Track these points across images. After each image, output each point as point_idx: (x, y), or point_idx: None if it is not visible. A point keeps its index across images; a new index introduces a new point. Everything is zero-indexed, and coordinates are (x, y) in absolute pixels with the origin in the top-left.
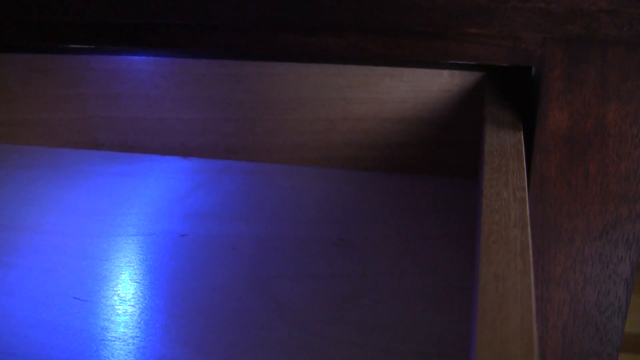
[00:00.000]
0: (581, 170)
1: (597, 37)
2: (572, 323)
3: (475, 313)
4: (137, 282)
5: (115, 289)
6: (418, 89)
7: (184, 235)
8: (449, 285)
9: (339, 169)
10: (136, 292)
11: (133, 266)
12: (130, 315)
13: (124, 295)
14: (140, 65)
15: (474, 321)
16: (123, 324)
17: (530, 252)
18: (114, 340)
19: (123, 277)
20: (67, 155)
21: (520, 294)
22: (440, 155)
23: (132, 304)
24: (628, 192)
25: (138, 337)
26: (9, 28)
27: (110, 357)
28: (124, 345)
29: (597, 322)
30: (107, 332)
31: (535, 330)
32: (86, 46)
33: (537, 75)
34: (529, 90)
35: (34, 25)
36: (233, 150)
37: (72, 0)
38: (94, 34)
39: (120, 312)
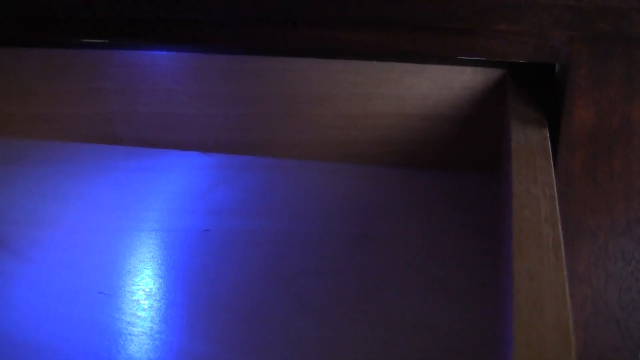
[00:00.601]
0: (606, 167)
1: (625, 34)
2: (594, 319)
3: (509, 310)
4: (161, 277)
5: (140, 284)
6: (440, 85)
7: (207, 230)
8: (471, 281)
9: (360, 165)
10: (161, 287)
11: (157, 261)
12: (156, 310)
13: (149, 290)
14: (161, 61)
15: (508, 318)
16: (149, 319)
17: (562, 248)
18: (141, 335)
19: (147, 272)
20: (87, 151)
21: (555, 289)
22: (461, 151)
23: (157, 298)
24: None
25: (164, 332)
26: (29, 23)
27: (137, 353)
28: (150, 340)
29: (618, 319)
30: (134, 327)
31: (571, 326)
32: (106, 41)
33: (562, 73)
34: (553, 87)
35: (54, 20)
36: (253, 146)
37: None
38: (114, 28)
39: (146, 307)
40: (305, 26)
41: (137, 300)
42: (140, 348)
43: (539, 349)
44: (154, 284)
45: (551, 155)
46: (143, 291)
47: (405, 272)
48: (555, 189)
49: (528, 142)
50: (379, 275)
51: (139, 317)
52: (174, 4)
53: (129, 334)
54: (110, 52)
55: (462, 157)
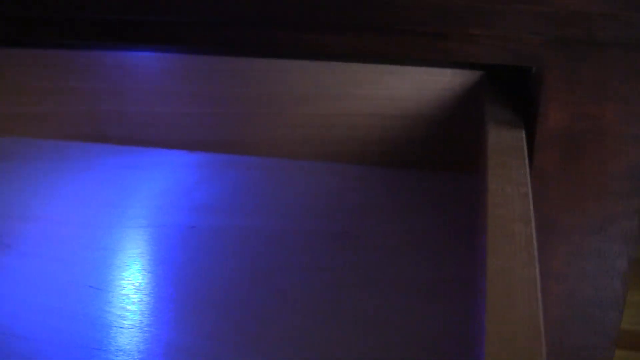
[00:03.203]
0: (579, 167)
1: (595, 39)
2: (569, 316)
3: (483, 303)
4: (149, 272)
5: (129, 278)
6: (420, 86)
7: (193, 227)
8: (448, 277)
9: (342, 164)
10: (149, 282)
11: (145, 256)
12: (145, 303)
13: (138, 285)
14: (147, 61)
15: (482, 311)
16: (139, 312)
17: (535, 245)
18: (130, 328)
19: (136, 267)
20: (75, 148)
21: (526, 285)
22: (441, 151)
23: (146, 292)
24: (625, 189)
25: (153, 324)
26: (19, 24)
27: (127, 345)
28: (139, 332)
29: (594, 316)
30: (124, 320)
31: (541, 321)
32: (94, 42)
33: (537, 76)
34: (529, 89)
35: (42, 22)
36: (237, 145)
37: None
38: (101, 30)
39: (135, 300)
40: (286, 29)
41: (127, 294)
42: (130, 340)
43: (511, 343)
44: (142, 279)
45: (526, 155)
46: (132, 285)
47: (386, 269)
48: (530, 188)
49: (503, 142)
50: (360, 271)
51: (128, 310)
52: (160, 7)
53: (119, 327)
54: (98, 53)
55: (442, 157)
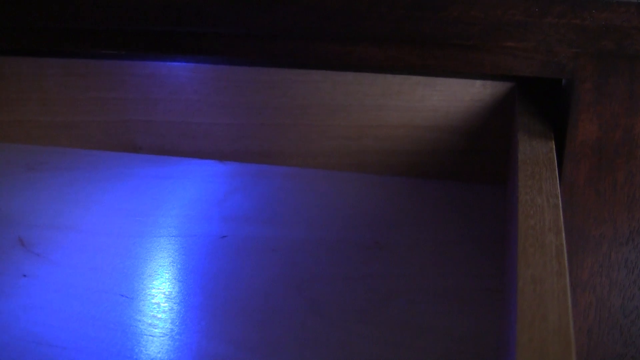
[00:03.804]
0: (609, 179)
1: (628, 52)
2: (597, 326)
3: (513, 313)
4: (180, 281)
5: (159, 287)
6: (450, 98)
7: (224, 237)
8: (478, 287)
9: (373, 174)
10: (180, 291)
11: (176, 266)
12: (176, 312)
13: (169, 294)
14: (179, 71)
15: (512, 321)
16: (169, 321)
17: (565, 255)
18: (161, 336)
19: (167, 276)
20: (107, 158)
21: (557, 294)
22: (470, 162)
23: (176, 301)
24: None
25: (184, 333)
26: (51, 34)
27: (158, 352)
28: (170, 340)
29: (621, 326)
30: (154, 328)
31: (572, 329)
32: (126, 52)
33: (568, 87)
34: (559, 101)
35: (75, 32)
36: (268, 155)
37: (116, 9)
38: (134, 41)
39: (166, 309)
40: (319, 41)
41: (158, 303)
42: (161, 348)
43: (541, 351)
44: (173, 288)
45: (556, 166)
46: (163, 294)
47: (415, 279)
48: (560, 199)
49: (534, 153)
50: (390, 281)
51: (159, 318)
52: (193, 18)
53: (150, 335)
54: (130, 63)
55: (471, 168)
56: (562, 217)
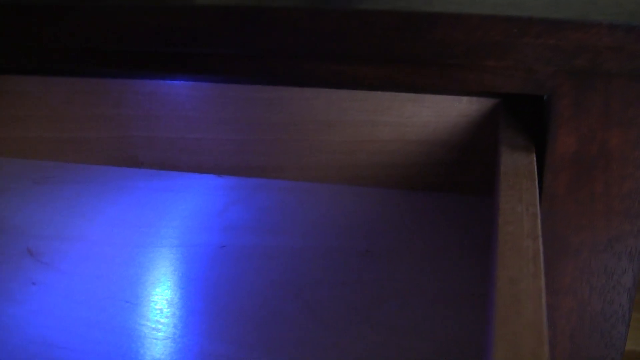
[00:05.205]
0: (587, 189)
1: (602, 69)
2: (579, 329)
3: (491, 310)
4: (182, 288)
5: (162, 294)
6: (438, 113)
7: (223, 246)
8: (464, 292)
9: (365, 187)
10: (182, 297)
11: (178, 274)
12: (178, 317)
13: (171, 300)
14: (179, 89)
15: (490, 317)
16: (172, 325)
17: (541, 259)
18: (164, 339)
19: (169, 283)
20: (110, 172)
21: (532, 293)
22: (458, 174)
23: (178, 307)
24: (631, 209)
25: (186, 336)
26: (57, 54)
27: (161, 354)
28: (172, 343)
29: (602, 329)
30: (158, 332)
31: (545, 324)
32: (129, 71)
33: (548, 103)
34: (541, 116)
35: (81, 51)
36: (265, 169)
37: (121, 31)
38: (136, 61)
39: (169, 314)
40: (313, 60)
41: (160, 309)
42: (164, 350)
43: (517, 344)
44: (175, 294)
45: (536, 177)
46: (166, 300)
47: (405, 284)
48: (538, 207)
49: (515, 165)
50: (382, 286)
51: (162, 323)
52: (195, 41)
53: (154, 338)
54: (133, 81)
55: (459, 180)
56: (540, 224)
